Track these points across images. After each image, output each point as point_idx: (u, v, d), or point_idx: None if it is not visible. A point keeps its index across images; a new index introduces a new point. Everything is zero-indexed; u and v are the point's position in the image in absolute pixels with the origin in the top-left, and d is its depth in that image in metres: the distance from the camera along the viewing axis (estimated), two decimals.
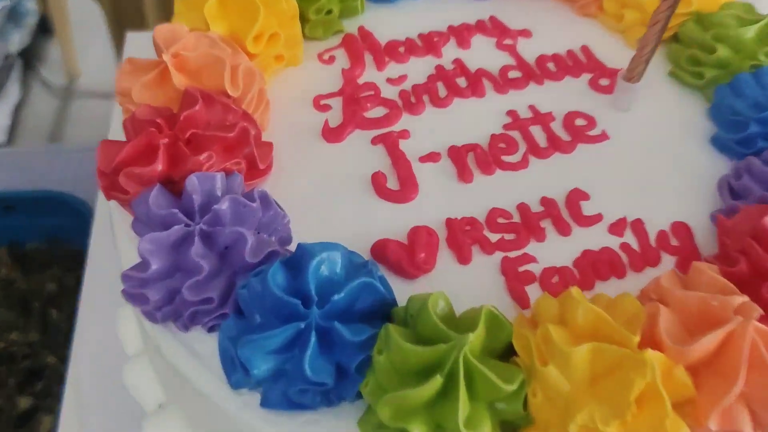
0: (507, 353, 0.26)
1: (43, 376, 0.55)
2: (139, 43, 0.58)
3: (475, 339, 0.25)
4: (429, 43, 0.40)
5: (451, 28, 0.41)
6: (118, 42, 1.94)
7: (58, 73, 2.48)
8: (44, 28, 2.49)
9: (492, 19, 0.42)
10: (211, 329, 0.28)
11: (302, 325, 0.25)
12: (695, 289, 0.27)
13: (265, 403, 0.26)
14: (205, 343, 0.28)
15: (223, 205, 0.28)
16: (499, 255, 0.31)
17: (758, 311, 0.26)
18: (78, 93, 2.37)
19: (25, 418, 0.53)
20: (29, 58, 2.43)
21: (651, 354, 0.24)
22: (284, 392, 0.26)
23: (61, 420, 0.38)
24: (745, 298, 0.26)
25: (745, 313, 0.26)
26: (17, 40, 2.37)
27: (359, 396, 0.25)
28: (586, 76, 0.39)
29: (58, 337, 0.57)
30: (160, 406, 0.35)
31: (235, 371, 0.26)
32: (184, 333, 0.28)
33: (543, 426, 0.25)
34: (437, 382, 0.24)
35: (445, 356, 0.24)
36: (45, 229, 0.62)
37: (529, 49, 0.40)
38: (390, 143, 0.34)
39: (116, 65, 1.96)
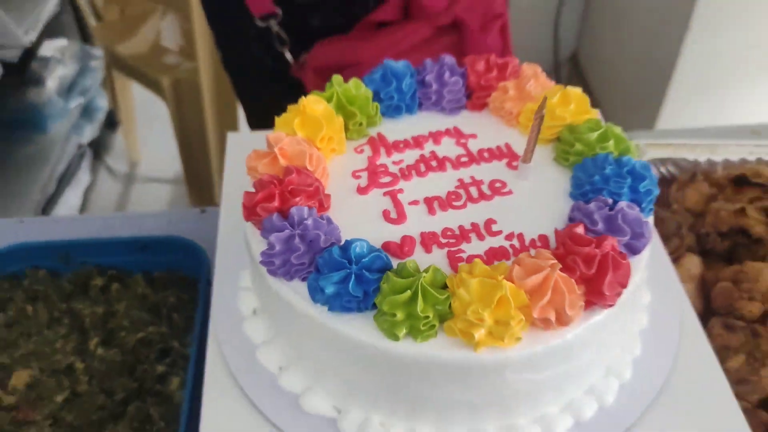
0: (444, 287, 0.59)
1: (171, 354, 0.88)
2: (234, 140, 0.93)
3: (426, 277, 0.58)
4: (417, 142, 0.74)
5: (430, 132, 0.75)
6: (179, 133, 2.34)
7: (121, 160, 2.92)
8: (110, 122, 2.96)
9: (455, 128, 0.76)
10: (303, 279, 0.61)
11: (348, 272, 0.58)
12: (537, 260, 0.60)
13: (331, 309, 0.59)
14: (301, 286, 0.61)
15: (309, 222, 0.62)
16: (446, 249, 0.64)
17: (559, 266, 0.58)
18: (138, 178, 2.79)
19: (161, 378, 0.85)
20: (96, 147, 2.88)
21: (505, 283, 0.57)
22: (340, 303, 0.58)
23: (208, 357, 0.70)
24: (554, 261, 0.58)
25: (553, 267, 0.58)
26: (89, 132, 2.83)
27: (375, 306, 0.58)
28: (505, 160, 0.73)
29: (179, 330, 0.91)
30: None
31: (317, 294, 0.59)
32: (289, 282, 0.61)
33: (457, 316, 0.57)
34: (408, 294, 0.56)
35: (412, 284, 0.57)
36: (167, 262, 0.96)
37: (475, 145, 0.74)
38: (393, 195, 0.68)
39: (178, 155, 2.33)
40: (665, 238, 0.96)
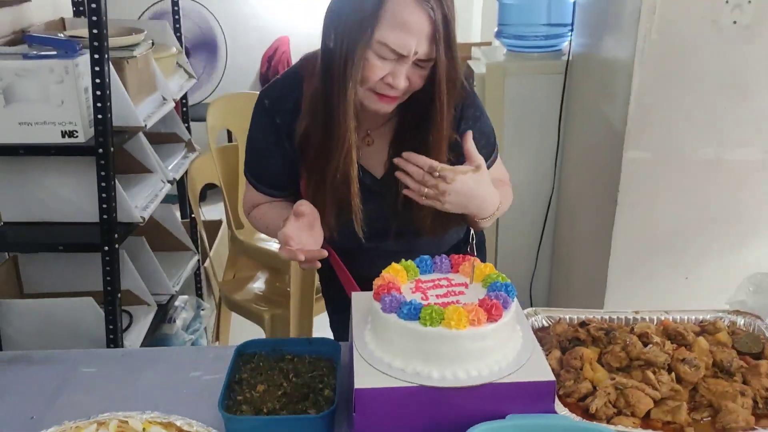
0: (441, 313, 1.96)
1: (324, 381, 2.22)
2: (355, 297, 2.34)
3: (435, 308, 1.95)
4: (431, 280, 2.15)
5: (438, 278, 2.17)
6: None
7: None
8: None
9: (446, 277, 2.18)
10: (393, 312, 1.98)
11: (412, 306, 1.97)
12: None
13: (404, 319, 1.95)
14: (394, 316, 1.98)
15: (398, 296, 2.02)
16: (442, 306, 2.02)
17: (478, 305, 1.95)
18: None
19: (320, 389, 2.18)
20: None
21: (461, 309, 1.94)
22: (409, 316, 1.95)
23: (355, 357, 2.05)
24: (477, 305, 1.96)
25: (475, 305, 1.96)
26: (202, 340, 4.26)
27: (419, 317, 1.95)
28: (464, 286, 2.13)
29: (326, 374, 2.26)
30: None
31: (401, 313, 1.96)
32: (389, 314, 1.98)
33: (446, 318, 1.94)
34: (430, 312, 1.94)
35: (432, 309, 1.95)
36: (318, 351, 2.34)
37: (453, 282, 2.15)
38: (424, 293, 2.08)
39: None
40: (543, 343, 2.33)
